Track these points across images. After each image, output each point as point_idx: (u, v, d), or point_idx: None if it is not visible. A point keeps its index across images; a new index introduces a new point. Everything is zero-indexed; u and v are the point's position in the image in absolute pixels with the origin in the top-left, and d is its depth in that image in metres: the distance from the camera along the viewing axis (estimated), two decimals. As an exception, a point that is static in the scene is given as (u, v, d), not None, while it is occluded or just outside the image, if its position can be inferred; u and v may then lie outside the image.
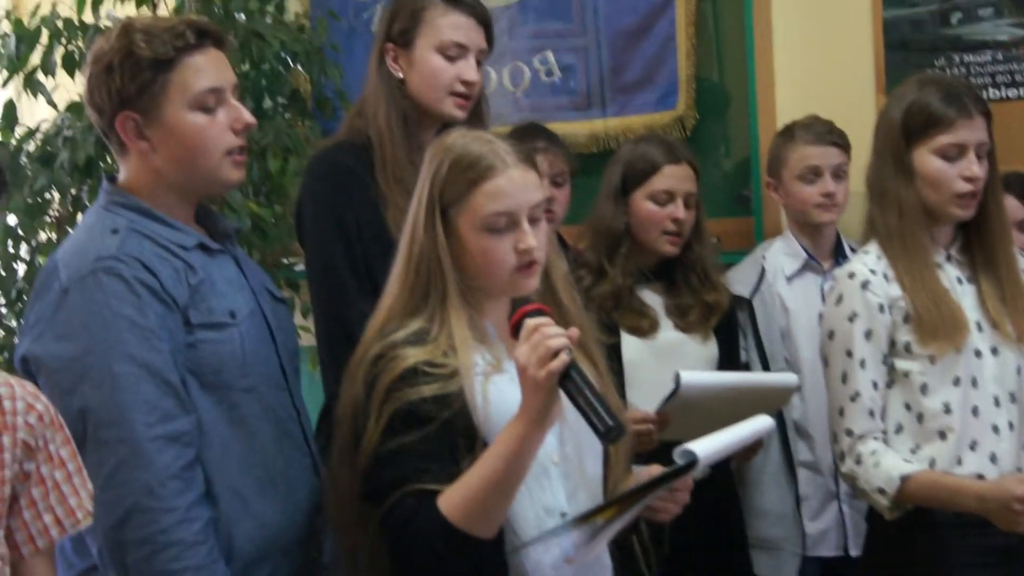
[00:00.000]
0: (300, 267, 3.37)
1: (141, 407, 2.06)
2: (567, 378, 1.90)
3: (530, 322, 1.94)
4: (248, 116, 2.27)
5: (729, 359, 3.12)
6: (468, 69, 2.68)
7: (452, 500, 1.96)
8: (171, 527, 2.04)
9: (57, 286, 2.12)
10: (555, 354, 1.89)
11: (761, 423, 2.13)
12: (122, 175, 2.28)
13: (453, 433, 2.02)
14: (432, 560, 1.99)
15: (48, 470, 1.82)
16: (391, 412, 2.03)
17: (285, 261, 3.93)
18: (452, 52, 2.66)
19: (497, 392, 2.05)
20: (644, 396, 2.86)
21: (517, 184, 2.12)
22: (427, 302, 2.12)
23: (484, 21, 2.72)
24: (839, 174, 3.32)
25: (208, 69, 2.22)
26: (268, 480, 2.22)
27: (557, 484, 2.11)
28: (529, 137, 3.25)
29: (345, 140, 2.74)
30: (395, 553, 2.06)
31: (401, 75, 2.69)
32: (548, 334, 1.91)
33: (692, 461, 1.97)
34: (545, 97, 4.15)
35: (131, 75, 2.17)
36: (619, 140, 3.94)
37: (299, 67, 4.02)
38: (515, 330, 1.98)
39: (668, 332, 3.05)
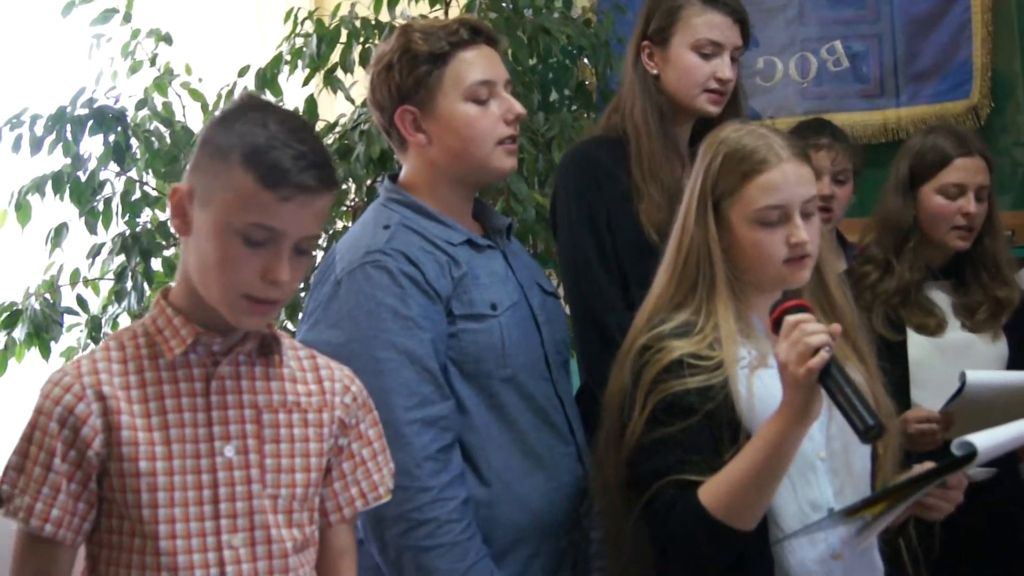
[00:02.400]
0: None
1: (401, 392, 2.16)
2: (827, 375, 1.88)
3: (790, 319, 1.93)
4: (519, 107, 2.34)
5: (1021, 358, 2.98)
6: (723, 67, 2.68)
7: (712, 491, 1.98)
8: (425, 505, 2.13)
9: (332, 278, 2.25)
10: (815, 351, 1.87)
11: None
12: (403, 172, 2.39)
13: (716, 425, 2.04)
14: (692, 550, 2.02)
15: (358, 447, 1.97)
16: (656, 403, 2.06)
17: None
18: (707, 50, 2.67)
19: (762, 385, 2.05)
20: (930, 396, 2.80)
21: (790, 178, 2.11)
22: (695, 294, 2.14)
23: (740, 19, 2.71)
24: None
25: (480, 63, 2.31)
26: (529, 465, 2.28)
27: (824, 480, 2.10)
28: (814, 132, 3.22)
29: (600, 135, 2.79)
30: (657, 541, 2.09)
31: (656, 72, 2.72)
32: (808, 331, 1.89)
33: (970, 453, 1.93)
34: (833, 86, 4.09)
35: (409, 70, 2.28)
36: (909, 131, 3.83)
37: (585, 60, 4.07)
38: (775, 326, 1.97)
39: (956, 332, 2.94)
